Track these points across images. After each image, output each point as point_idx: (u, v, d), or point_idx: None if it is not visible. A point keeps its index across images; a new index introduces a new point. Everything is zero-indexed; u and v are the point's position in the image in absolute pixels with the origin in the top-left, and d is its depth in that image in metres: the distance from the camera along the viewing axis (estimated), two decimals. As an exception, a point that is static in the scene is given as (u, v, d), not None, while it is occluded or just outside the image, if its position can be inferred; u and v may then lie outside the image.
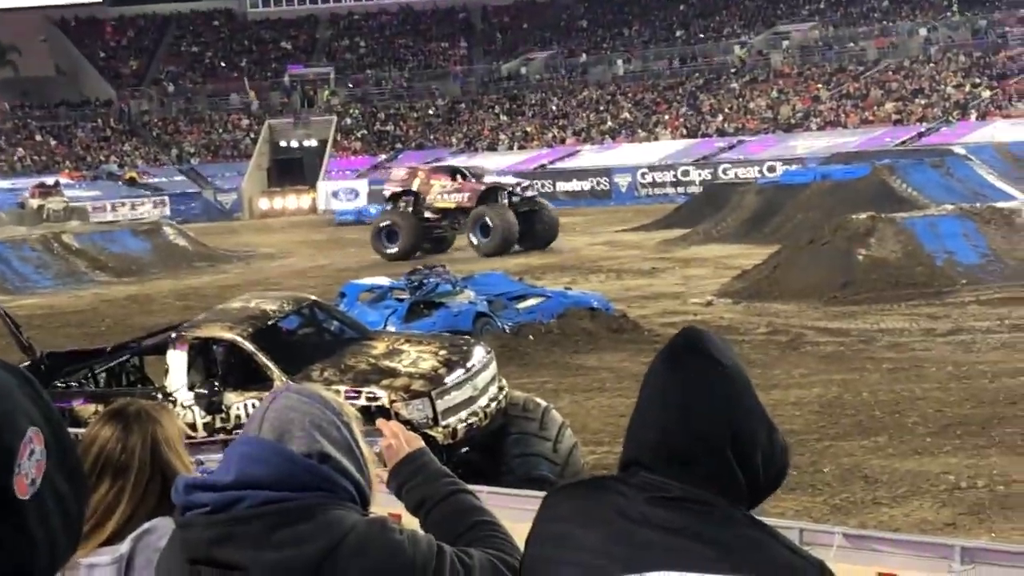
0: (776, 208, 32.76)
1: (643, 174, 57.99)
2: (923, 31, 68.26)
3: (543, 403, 10.99)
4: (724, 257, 29.05)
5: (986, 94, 59.44)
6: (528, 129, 70.95)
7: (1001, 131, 51.24)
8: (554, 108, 73.29)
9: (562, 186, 59.69)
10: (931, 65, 64.45)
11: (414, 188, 35.81)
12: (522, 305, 19.01)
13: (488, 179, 36.51)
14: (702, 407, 2.26)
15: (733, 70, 71.88)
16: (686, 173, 56.71)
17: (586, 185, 59.09)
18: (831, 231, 23.19)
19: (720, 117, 65.79)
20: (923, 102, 60.53)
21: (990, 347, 16.19)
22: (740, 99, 67.60)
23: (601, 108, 71.72)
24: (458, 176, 36.20)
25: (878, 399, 13.37)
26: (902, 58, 66.50)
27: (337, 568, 2.43)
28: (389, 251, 34.48)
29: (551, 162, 63.54)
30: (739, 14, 78.64)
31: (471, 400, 10.47)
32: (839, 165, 35.09)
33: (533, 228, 34.98)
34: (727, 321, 19.71)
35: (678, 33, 79.42)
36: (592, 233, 39.73)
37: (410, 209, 35.57)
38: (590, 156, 63.53)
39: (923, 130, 56.26)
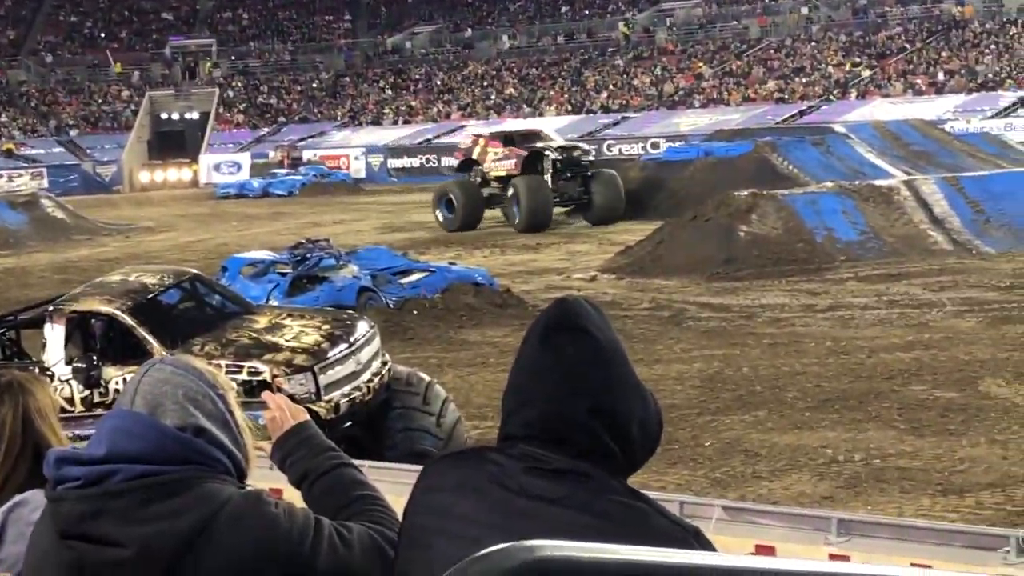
0: (659, 184, 32.94)
1: (528, 149, 57.98)
2: (804, 10, 68.98)
3: (426, 378, 10.95)
4: (608, 233, 29.19)
5: (866, 73, 60.25)
6: (413, 103, 70.73)
7: (880, 110, 52.02)
8: (439, 83, 73.13)
9: (447, 161, 59.52)
10: (812, 44, 65.19)
11: (475, 156, 33.77)
12: (406, 280, 18.94)
13: (540, 143, 33.31)
14: (577, 382, 2.23)
15: (617, 47, 72.15)
16: (571, 149, 56.74)
17: (471, 160, 59.00)
18: (713, 207, 23.38)
19: (605, 93, 66.05)
20: (804, 80, 61.22)
21: (868, 323, 16.43)
22: (624, 76, 67.92)
23: (486, 83, 71.67)
24: (511, 142, 33.69)
25: (758, 374, 13.51)
26: (784, 36, 67.20)
27: (212, 541, 2.40)
28: (445, 221, 32.48)
29: (436, 137, 63.40)
30: (623, -10, 78.88)
31: (354, 375, 10.41)
32: (722, 142, 35.42)
33: (592, 200, 32.09)
34: (610, 296, 19.79)
35: (563, 9, 79.53)
36: (477, 208, 39.61)
37: (477, 179, 33.27)
38: (475, 131, 63.45)
39: (804, 108, 56.94)
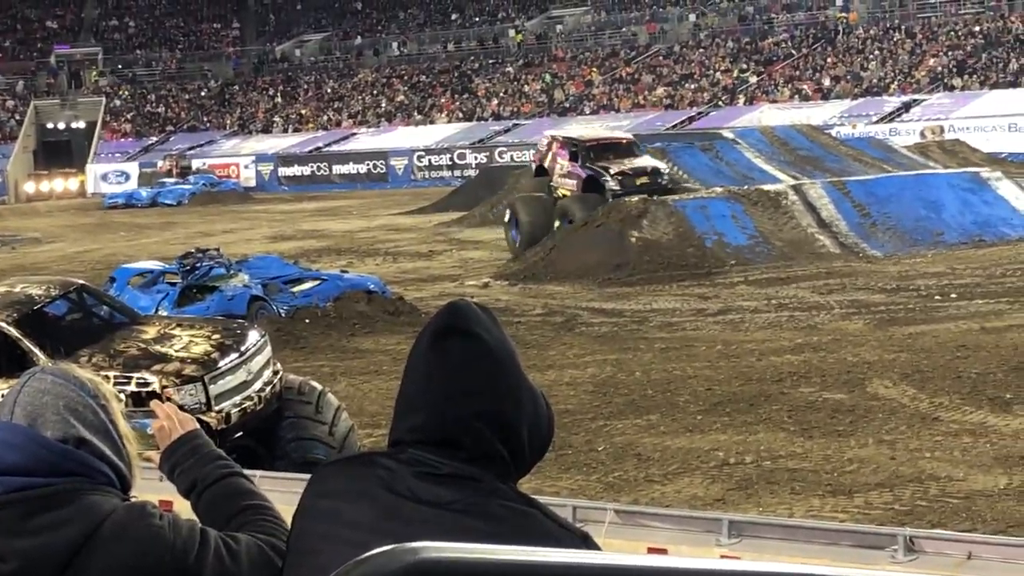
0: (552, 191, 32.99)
1: (419, 157, 58.04)
2: (692, 17, 69.60)
3: (319, 386, 10.88)
4: (501, 239, 29.20)
5: (753, 79, 60.88)
6: (303, 111, 70.37)
7: (768, 115, 52.57)
8: (329, 91, 72.80)
9: (338, 169, 59.40)
10: (700, 51, 65.76)
11: (546, 164, 28.85)
12: (298, 288, 18.82)
13: (609, 163, 27.65)
14: (466, 386, 2.22)
15: (508, 54, 72.30)
16: (462, 156, 56.92)
17: (362, 168, 58.88)
18: (605, 214, 23.51)
19: (495, 100, 66.13)
20: (693, 87, 61.73)
21: (757, 326, 16.59)
22: (515, 83, 68.05)
23: (376, 91, 71.47)
24: (575, 156, 28.18)
25: (651, 378, 13.59)
26: (672, 43, 67.72)
27: (95, 554, 2.36)
28: (512, 241, 26.50)
29: (326, 145, 63.12)
30: (514, -2, 79.08)
31: (245, 384, 10.32)
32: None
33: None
34: (504, 303, 19.81)
35: (453, 16, 79.56)
36: (369, 216, 39.56)
37: (549, 192, 28.06)
38: (366, 139, 63.35)
39: (693, 114, 57.40)
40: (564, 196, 27.07)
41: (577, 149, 28.24)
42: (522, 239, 25.96)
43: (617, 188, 26.37)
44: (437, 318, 2.30)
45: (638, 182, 26.54)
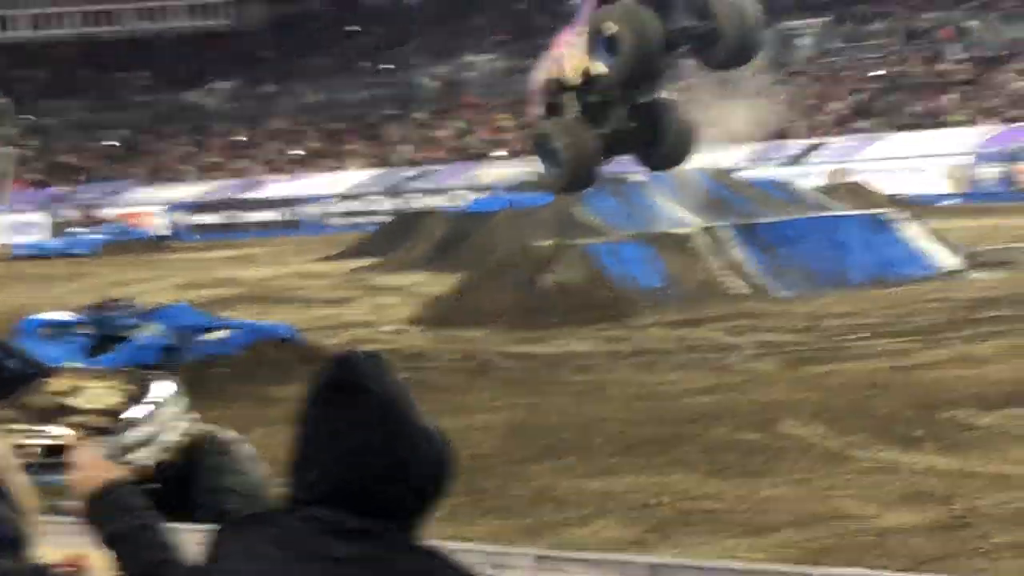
0: (464, 236, 33.08)
1: (332, 203, 57.91)
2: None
3: (233, 436, 10.81)
4: (414, 285, 29.18)
5: (663, 124, 61.28)
6: (214, 159, 70.02)
7: (677, 159, 52.90)
8: (241, 138, 72.52)
9: (250, 216, 59.15)
10: (610, 95, 66.11)
11: (555, 75, 22.09)
12: (211, 337, 18.69)
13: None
14: (359, 440, 2.22)
15: (420, 101, 72.43)
16: (375, 202, 56.86)
17: (275, 215, 58.71)
18: (517, 258, 23.57)
19: (408, 146, 66.21)
20: (603, 131, 62.04)
21: (670, 367, 16.69)
22: (428, 129, 68.18)
23: (288, 138, 71.33)
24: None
25: (565, 421, 13.62)
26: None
27: None
28: (550, 176, 22.88)
29: (238, 192, 62.86)
30: (425, 45, 79.28)
31: (158, 435, 10.24)
32: (524, 193, 35.70)
33: (659, 138, 21.92)
34: (418, 348, 19.79)
35: (364, 63, 79.58)
36: (282, 263, 39.36)
37: (573, 109, 21.70)
38: (278, 186, 63.17)
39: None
40: (593, 79, 21.12)
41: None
42: (564, 173, 21.78)
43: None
44: (326, 372, 2.29)
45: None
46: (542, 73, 22.69)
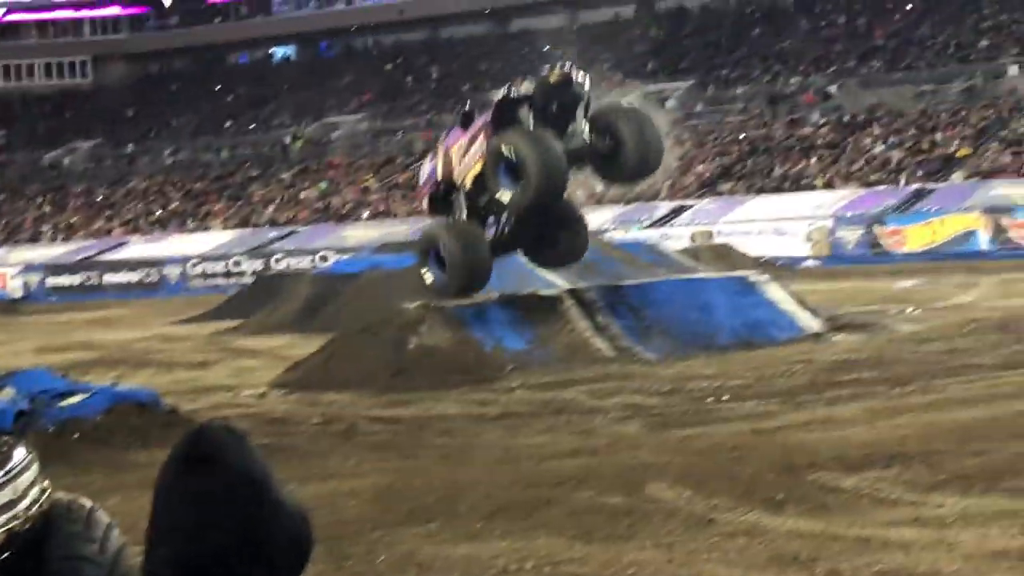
0: (329, 298, 32.89)
1: (194, 264, 57.37)
2: (467, 125, 70.35)
3: (88, 503, 10.48)
4: (277, 348, 28.90)
5: (528, 186, 61.70)
6: (73, 220, 69.05)
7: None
8: (100, 198, 71.63)
9: (109, 278, 58.31)
10: (476, 157, 66.48)
11: (439, 176, 22.06)
12: (67, 402, 18.26)
13: (503, 89, 21.79)
14: (215, 515, 2.17)
15: (284, 161, 72.17)
16: (238, 263, 56.46)
17: (135, 276, 57.93)
18: (383, 320, 23.45)
19: (271, 207, 65.87)
20: (469, 193, 62.31)
21: (536, 431, 16.65)
22: (291, 189, 67.93)
23: (150, 198, 70.59)
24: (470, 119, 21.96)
25: (431, 486, 13.50)
26: (448, 151, 68.31)
27: None
28: (438, 282, 22.05)
29: (97, 253, 61.99)
30: (288, 105, 79.12)
31: (11, 504, 9.87)
32: (390, 254, 35.62)
33: (619, 149, 21.18)
34: (281, 412, 19.55)
35: (227, 123, 79.15)
36: (142, 326, 38.79)
37: (462, 210, 21.83)
38: (138, 247, 62.42)
39: (470, 220, 57.87)
40: (476, 176, 21.17)
41: (470, 113, 22.10)
42: (453, 276, 21.35)
43: (531, 91, 21.02)
44: (181, 445, 2.24)
45: (551, 79, 21.11)
46: (429, 170, 22.67)
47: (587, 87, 21.66)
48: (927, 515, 10.88)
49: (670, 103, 65.81)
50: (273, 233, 61.50)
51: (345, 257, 45.66)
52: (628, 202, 56.67)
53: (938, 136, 56.56)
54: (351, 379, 21.62)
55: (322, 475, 14.37)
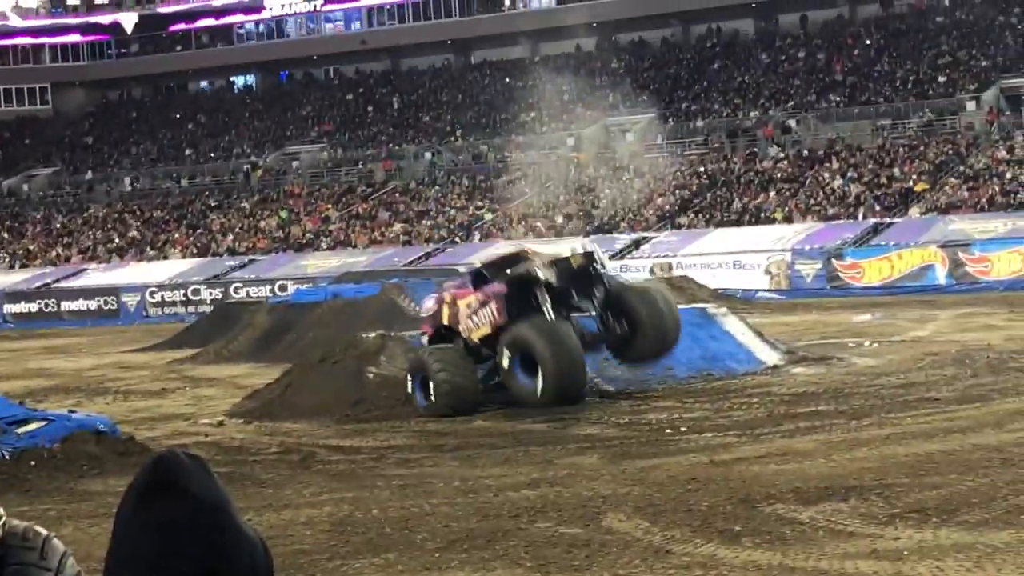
0: (288, 327, 32.83)
1: (152, 293, 57.12)
2: (428, 155, 70.51)
3: (44, 532, 10.42)
4: (236, 376, 28.81)
5: (489, 216, 61.85)
6: (31, 247, 68.68)
7: (504, 251, 53.32)
8: (58, 226, 71.30)
9: (67, 305, 58.02)
10: (436, 188, 66.58)
11: (445, 321, 21.89)
12: (23, 430, 18.13)
13: (523, 267, 21.13)
14: (175, 545, 2.16)
15: (243, 189, 72.07)
16: (197, 292, 56.28)
17: (92, 304, 57.64)
18: (342, 350, 23.41)
19: (231, 236, 65.70)
20: (429, 223, 62.38)
21: (494, 461, 16.63)
22: (251, 218, 67.78)
23: (108, 226, 70.32)
24: (482, 279, 21.93)
25: (388, 516, 13.47)
26: (408, 180, 68.43)
27: None
28: (425, 405, 20.81)
29: (55, 281, 61.66)
30: (249, 134, 79.00)
31: (-36, 532, 9.87)
32: (349, 284, 35.63)
33: (636, 330, 20.83)
34: (238, 441, 19.47)
35: (187, 151, 78.98)
36: (99, 354, 38.61)
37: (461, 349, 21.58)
38: (97, 275, 62.12)
39: (430, 250, 57.97)
40: (486, 337, 21.05)
41: (481, 274, 22.25)
42: (438, 401, 20.49)
43: (553, 277, 20.48)
44: (142, 473, 2.23)
45: (573, 264, 20.88)
46: (433, 309, 22.41)
47: (606, 268, 21.46)
48: (883, 548, 10.92)
49: (630, 136, 66.18)
50: (232, 262, 61.34)
51: (304, 286, 45.57)
52: (587, 234, 56.85)
53: (896, 171, 56.98)
54: (309, 408, 21.56)
55: (279, 504, 14.32)
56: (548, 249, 24.18)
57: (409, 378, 21.15)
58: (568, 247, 23.22)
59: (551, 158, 66.58)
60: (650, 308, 20.71)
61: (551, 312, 20.35)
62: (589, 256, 21.35)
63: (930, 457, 14.91)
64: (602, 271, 21.23)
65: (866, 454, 15.47)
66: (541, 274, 20.45)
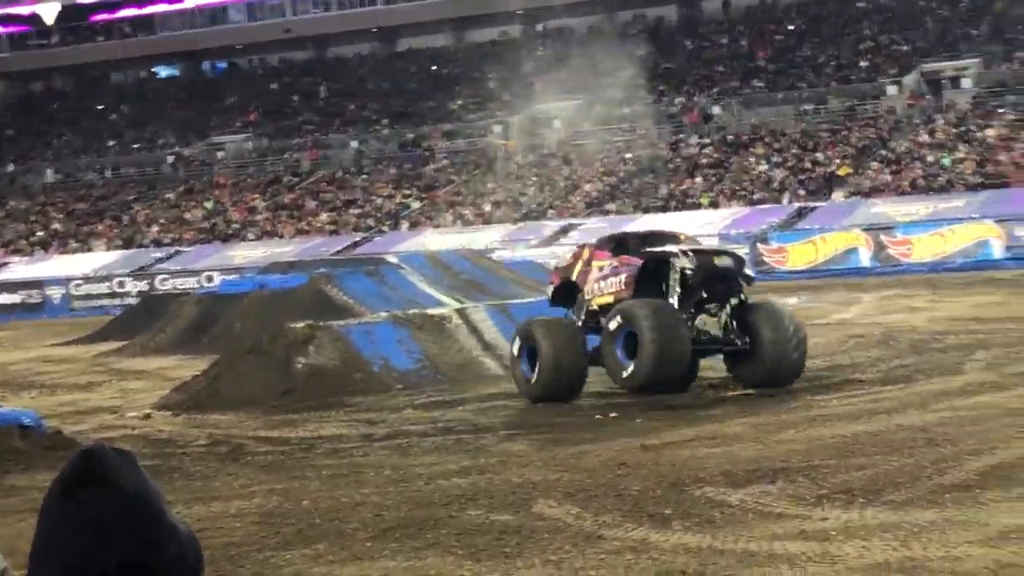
0: (215, 318, 32.62)
1: (77, 286, 56.57)
2: (354, 143, 70.25)
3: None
4: (163, 368, 28.62)
5: (416, 205, 61.73)
6: (-49, 241, 67.90)
7: (431, 240, 53.37)
8: (-20, 218, 70.49)
9: (-13, 300, 57.32)
10: (363, 177, 66.37)
11: (574, 277, 21.03)
12: (-54, 425, 17.97)
13: (664, 248, 20.30)
14: (101, 537, 2.14)
15: (168, 180, 71.52)
16: (122, 284, 55.79)
17: (16, 298, 56.97)
18: (270, 340, 23.30)
19: (156, 227, 65.19)
20: (357, 212, 62.18)
21: (425, 450, 16.65)
22: (176, 209, 67.27)
23: (31, 219, 69.56)
24: (623, 247, 20.76)
25: (318, 506, 13.45)
26: (335, 169, 68.15)
27: None
28: (525, 381, 20.01)
29: (-25, 275, 60.93)
30: (172, 124, 78.32)
31: None
32: (277, 275, 35.43)
33: (755, 350, 19.31)
34: (166, 434, 19.36)
35: (110, 143, 78.24)
36: (24, 347, 38.24)
37: (581, 313, 20.63)
38: (20, 268, 61.43)
39: (358, 239, 57.77)
40: (605, 304, 19.93)
41: (625, 240, 21.41)
42: (541, 376, 19.56)
43: (691, 267, 19.37)
44: (69, 467, 2.21)
45: (717, 262, 19.79)
46: (567, 262, 21.58)
47: (750, 280, 20.22)
48: (811, 528, 11.03)
49: (556, 123, 66.26)
50: (158, 253, 60.86)
51: (231, 277, 45.25)
52: (516, 222, 56.91)
53: (819, 155, 57.41)
54: (238, 400, 21.47)
55: (208, 497, 14.26)
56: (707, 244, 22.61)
57: (517, 348, 20.08)
58: (722, 247, 21.40)
59: (478, 146, 66.57)
60: (776, 331, 19.18)
61: (677, 301, 19.22)
62: (737, 260, 20.13)
63: (856, 438, 15.08)
64: (743, 280, 19.85)
65: (793, 436, 15.62)
66: (680, 261, 19.39)
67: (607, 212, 56.70)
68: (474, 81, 72.62)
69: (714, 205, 55.20)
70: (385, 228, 59.52)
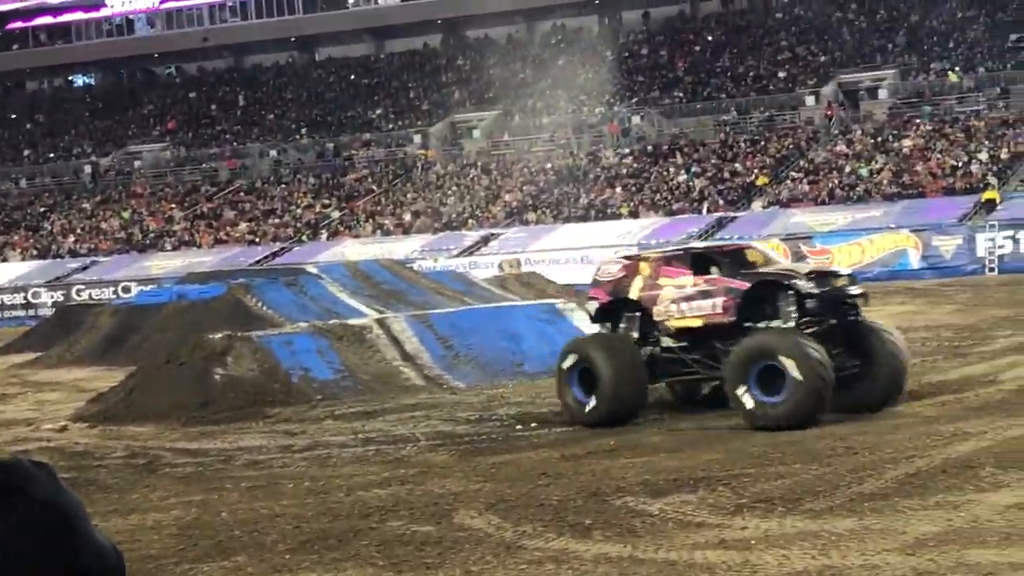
0: (132, 329, 32.31)
1: (-9, 296, 55.87)
2: (273, 153, 69.93)
3: None
4: (79, 380, 28.29)
5: (336, 214, 61.53)
6: None
7: (351, 250, 53.21)
8: None
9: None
10: (282, 186, 66.06)
11: (631, 294, 18.95)
12: None
13: (772, 267, 18.95)
14: (19, 551, 2.09)
15: (84, 190, 70.84)
16: (37, 295, 55.14)
17: (-71, 309, 56.18)
18: (188, 351, 23.09)
19: (72, 238, 64.52)
20: (276, 222, 61.87)
21: (345, 461, 16.55)
22: (93, 219, 66.64)
23: (-55, 228, 68.69)
24: (710, 267, 18.69)
25: (237, 518, 13.32)
26: (254, 179, 67.81)
27: None
28: (580, 407, 18.18)
29: None
30: (89, 133, 77.60)
31: None
32: (195, 285, 35.14)
33: (867, 372, 17.75)
34: (82, 446, 19.12)
35: (26, 152, 77.39)
36: (-64, 359, 37.64)
37: (633, 331, 18.88)
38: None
39: (277, 249, 57.50)
40: (687, 328, 18.35)
41: (703, 256, 19.09)
42: (601, 403, 17.92)
43: (814, 292, 17.51)
44: None
45: (839, 284, 17.99)
46: (616, 275, 19.41)
47: (864, 299, 18.32)
48: (731, 537, 11.07)
49: (476, 133, 66.30)
50: (74, 264, 60.28)
51: (148, 288, 44.85)
52: (436, 231, 56.86)
53: (738, 165, 57.83)
54: (155, 411, 21.25)
55: (125, 509, 14.10)
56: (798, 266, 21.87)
57: (566, 371, 18.49)
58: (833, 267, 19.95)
59: (398, 155, 66.46)
60: (889, 353, 17.84)
61: (793, 325, 17.52)
62: (852, 279, 18.50)
63: (775, 447, 15.15)
64: (862, 299, 18.20)
65: (713, 446, 15.68)
66: (802, 284, 17.70)
67: (527, 222, 56.79)
68: (393, 91, 72.54)
69: (634, 215, 55.43)
70: (304, 238, 59.28)
